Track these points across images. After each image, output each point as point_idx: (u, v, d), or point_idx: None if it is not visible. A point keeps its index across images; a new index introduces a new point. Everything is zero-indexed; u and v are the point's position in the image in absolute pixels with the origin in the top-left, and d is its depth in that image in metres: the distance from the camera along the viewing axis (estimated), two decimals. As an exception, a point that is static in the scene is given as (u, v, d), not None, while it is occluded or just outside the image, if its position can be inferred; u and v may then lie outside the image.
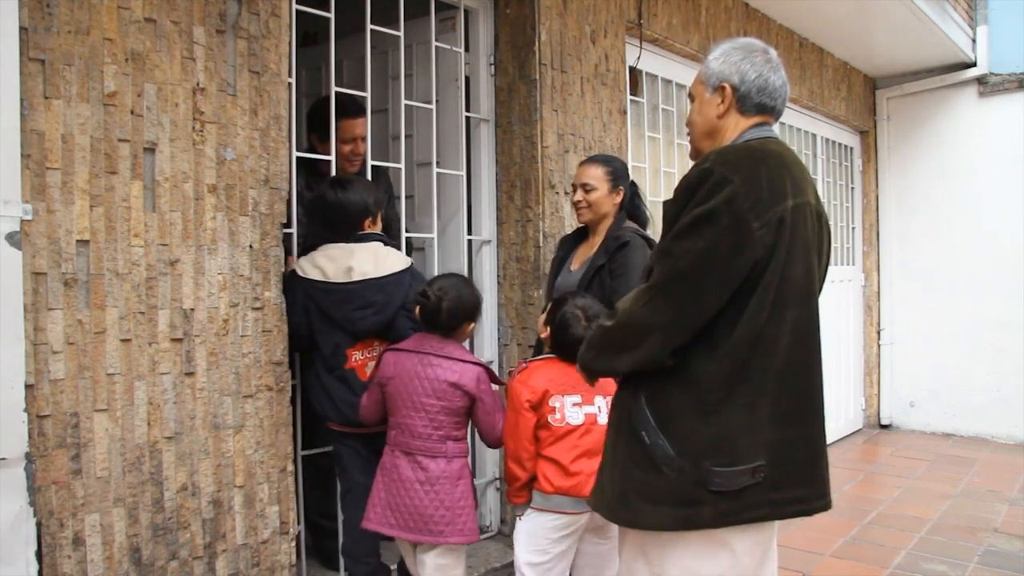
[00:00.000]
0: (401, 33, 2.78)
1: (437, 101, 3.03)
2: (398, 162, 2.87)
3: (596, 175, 2.57)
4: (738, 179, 1.41)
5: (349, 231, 2.35)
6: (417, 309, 2.21)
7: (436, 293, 2.18)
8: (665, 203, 1.57)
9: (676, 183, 1.58)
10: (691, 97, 1.68)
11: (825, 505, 1.56)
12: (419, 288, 2.27)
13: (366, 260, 2.31)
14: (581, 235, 2.72)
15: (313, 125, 2.85)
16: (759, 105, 1.59)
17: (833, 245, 1.71)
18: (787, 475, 1.49)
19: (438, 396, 2.13)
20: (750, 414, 1.45)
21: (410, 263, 2.41)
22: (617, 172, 2.60)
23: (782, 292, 1.45)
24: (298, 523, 2.37)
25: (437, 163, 3.03)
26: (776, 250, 1.43)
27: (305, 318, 2.29)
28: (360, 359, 2.34)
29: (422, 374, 2.14)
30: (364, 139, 2.75)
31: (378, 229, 2.46)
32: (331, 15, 2.57)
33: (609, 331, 1.54)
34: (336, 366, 2.31)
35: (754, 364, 1.44)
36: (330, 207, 2.34)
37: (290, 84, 2.25)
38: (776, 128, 1.67)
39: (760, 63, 1.58)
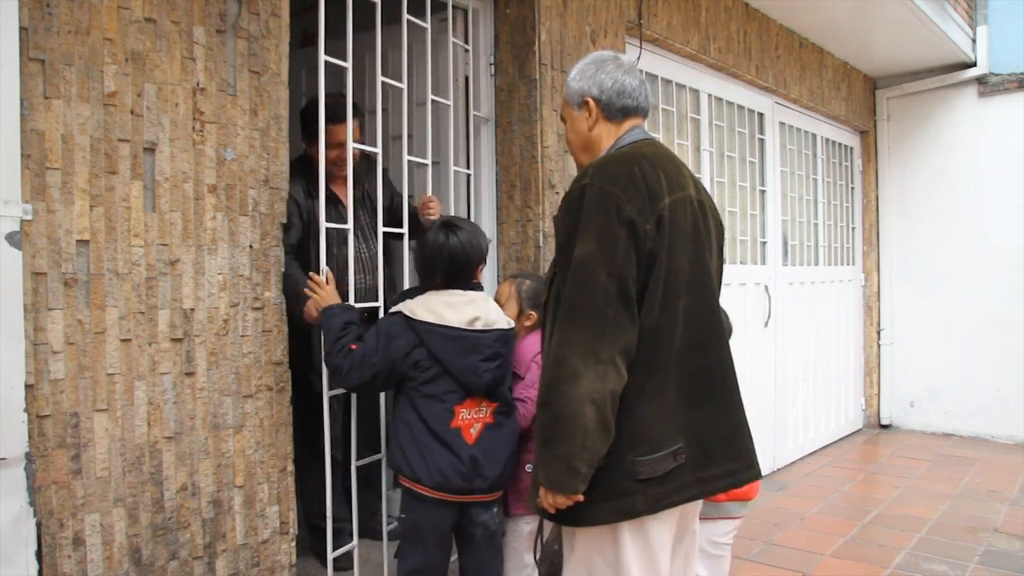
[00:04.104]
0: (403, 33, 2.78)
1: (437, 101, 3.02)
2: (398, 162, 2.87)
3: None
4: (618, 189, 1.51)
5: (468, 278, 2.23)
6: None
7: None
8: (554, 219, 1.66)
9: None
10: (563, 119, 1.79)
11: (754, 475, 1.65)
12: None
13: (490, 309, 2.19)
14: None
15: (304, 129, 2.82)
16: (623, 108, 1.69)
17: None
18: (709, 452, 1.57)
19: None
20: (660, 401, 1.53)
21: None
22: None
23: (671, 284, 1.54)
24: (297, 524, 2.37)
25: (437, 163, 3.03)
26: (659, 247, 1.52)
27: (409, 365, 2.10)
28: (468, 418, 2.13)
29: None
30: (352, 143, 2.73)
31: (482, 276, 2.39)
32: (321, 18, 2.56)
33: (558, 411, 1.48)
34: (439, 423, 2.10)
35: (657, 355, 1.52)
36: (452, 253, 2.18)
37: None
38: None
39: (612, 69, 1.69)
